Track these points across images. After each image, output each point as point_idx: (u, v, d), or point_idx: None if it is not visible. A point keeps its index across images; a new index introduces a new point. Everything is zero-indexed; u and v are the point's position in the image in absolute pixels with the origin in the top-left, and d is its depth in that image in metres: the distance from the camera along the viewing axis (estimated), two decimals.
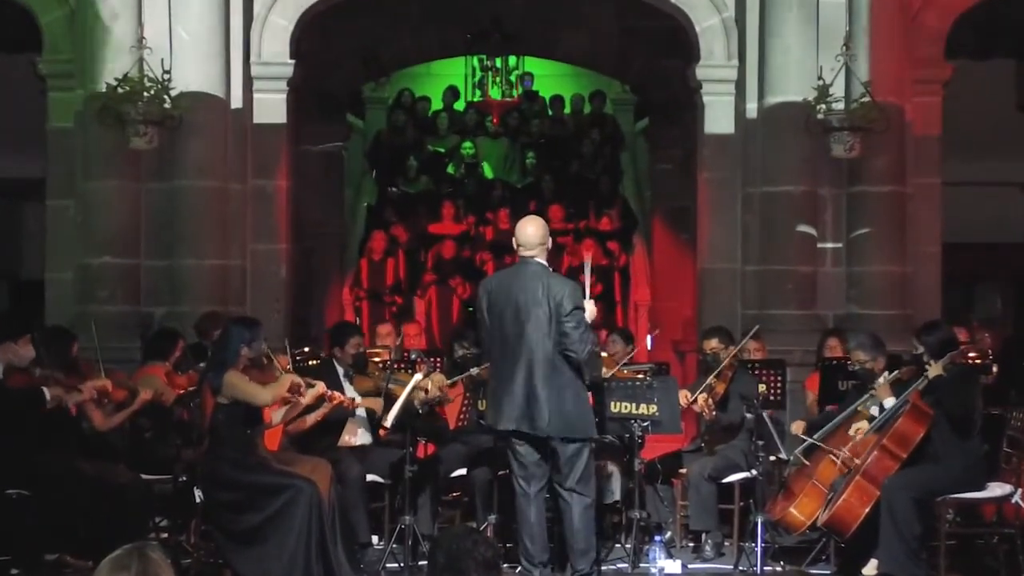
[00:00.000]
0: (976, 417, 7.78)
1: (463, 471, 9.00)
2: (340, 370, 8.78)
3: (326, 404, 8.17)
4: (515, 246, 7.66)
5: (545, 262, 7.60)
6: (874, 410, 8.10)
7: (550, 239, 7.70)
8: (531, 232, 7.54)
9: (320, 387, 7.94)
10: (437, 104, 16.71)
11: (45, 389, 7.69)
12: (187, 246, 10.70)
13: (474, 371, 8.91)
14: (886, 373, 8.20)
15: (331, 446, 8.58)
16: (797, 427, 8.53)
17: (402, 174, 15.88)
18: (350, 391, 8.64)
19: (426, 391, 8.61)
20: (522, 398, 7.37)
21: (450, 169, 16.27)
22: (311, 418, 8.34)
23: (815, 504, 7.94)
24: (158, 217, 10.79)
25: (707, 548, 8.71)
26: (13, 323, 8.28)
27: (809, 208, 10.94)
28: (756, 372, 9.15)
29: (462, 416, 8.94)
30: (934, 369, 7.74)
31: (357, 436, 8.80)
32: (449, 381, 8.86)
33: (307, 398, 7.87)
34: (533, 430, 7.40)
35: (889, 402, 7.94)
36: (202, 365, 8.59)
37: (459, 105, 16.57)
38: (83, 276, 10.79)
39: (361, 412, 8.73)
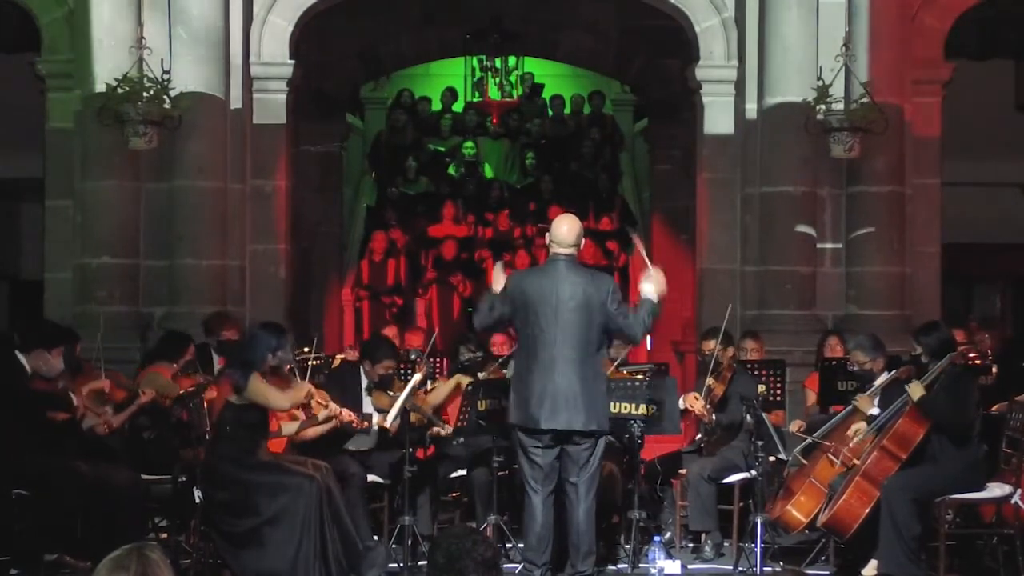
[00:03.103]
0: (973, 422, 7.76)
1: (462, 472, 9.00)
2: (364, 382, 8.74)
3: (334, 421, 8.17)
4: (547, 243, 7.63)
5: (576, 259, 7.56)
6: (873, 410, 8.10)
7: (584, 239, 7.68)
8: (566, 230, 7.49)
9: (332, 409, 7.95)
10: (437, 105, 16.72)
11: (73, 396, 7.71)
12: (186, 246, 10.70)
13: (481, 375, 8.89)
14: (885, 373, 8.20)
15: (331, 446, 8.56)
16: (795, 426, 8.53)
17: (402, 174, 15.88)
18: (367, 405, 8.62)
19: (425, 391, 8.61)
20: (568, 396, 7.32)
21: (451, 170, 16.27)
22: (316, 430, 8.32)
23: (813, 503, 7.94)
24: (157, 217, 10.80)
25: (706, 549, 8.71)
26: (48, 332, 8.23)
27: (808, 208, 10.94)
28: (755, 373, 9.15)
29: (462, 417, 8.93)
30: (915, 390, 7.69)
31: (364, 444, 8.79)
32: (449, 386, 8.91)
33: (320, 416, 7.90)
34: (582, 427, 7.36)
35: (873, 411, 7.95)
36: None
37: (458, 106, 16.57)
38: (82, 276, 10.79)
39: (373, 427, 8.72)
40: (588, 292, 7.38)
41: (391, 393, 8.58)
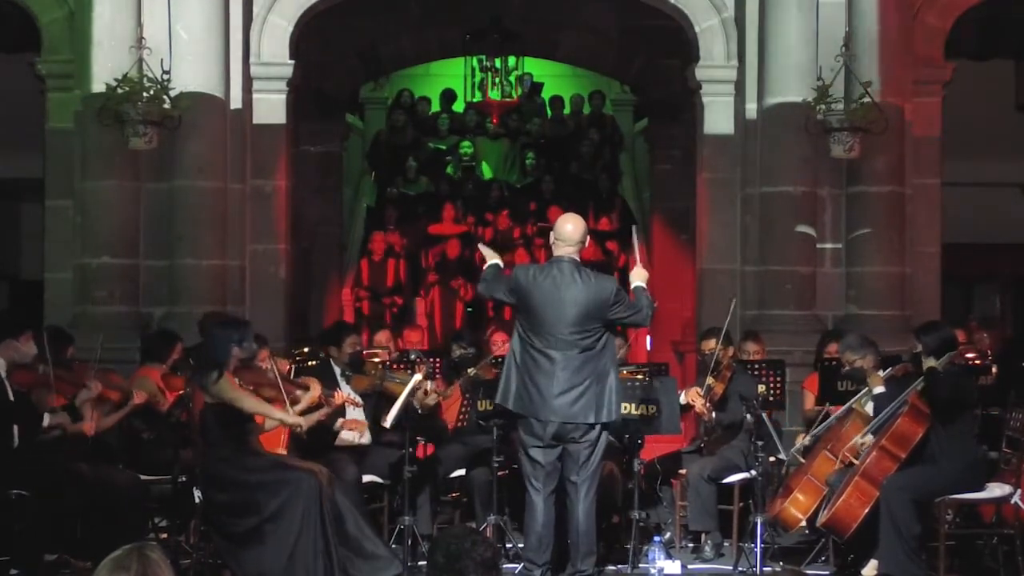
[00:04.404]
0: (968, 409, 7.77)
1: (462, 471, 9.00)
2: (337, 370, 8.77)
3: (326, 408, 8.15)
4: (551, 241, 7.63)
5: (578, 259, 7.57)
6: (868, 407, 8.11)
7: (588, 238, 7.70)
8: (571, 228, 7.53)
9: (314, 392, 7.94)
10: (437, 105, 16.72)
11: (47, 415, 7.69)
12: (186, 246, 10.70)
13: (471, 371, 8.90)
14: (880, 371, 8.21)
15: (328, 445, 8.57)
16: (802, 438, 8.58)
17: (401, 174, 15.88)
18: (348, 392, 8.63)
19: (426, 392, 8.62)
20: (572, 395, 7.34)
21: (449, 170, 16.28)
22: (312, 418, 8.32)
23: (811, 500, 7.96)
24: (157, 217, 10.79)
25: (706, 549, 8.72)
26: (13, 321, 8.24)
27: (808, 208, 10.94)
28: (755, 372, 9.15)
29: (461, 416, 8.93)
30: (929, 362, 7.74)
31: (363, 436, 8.78)
32: (446, 392, 8.90)
33: (303, 401, 7.88)
34: (584, 420, 7.37)
35: (879, 389, 7.96)
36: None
37: (458, 106, 16.58)
38: (82, 276, 10.78)
39: (360, 414, 8.70)
40: (591, 294, 7.39)
41: (368, 372, 8.60)
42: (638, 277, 7.70)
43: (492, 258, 7.75)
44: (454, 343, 9.54)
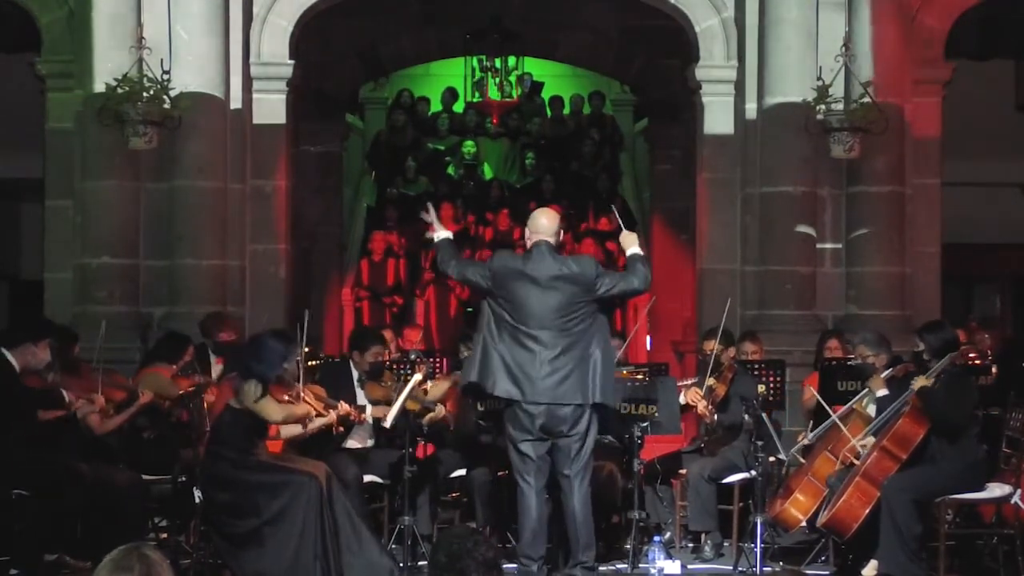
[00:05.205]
0: (967, 422, 7.77)
1: (462, 471, 8.99)
2: (355, 375, 8.75)
3: (331, 417, 8.16)
4: (527, 235, 7.64)
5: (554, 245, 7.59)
6: (871, 408, 8.11)
7: (561, 232, 7.73)
8: (546, 221, 7.59)
9: (330, 418, 7.97)
10: (436, 105, 16.73)
11: (65, 393, 7.69)
12: (186, 246, 10.70)
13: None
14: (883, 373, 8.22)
15: (330, 449, 8.56)
16: (802, 438, 8.58)
17: (401, 174, 15.89)
18: (361, 398, 8.63)
19: (426, 392, 8.61)
20: (560, 374, 7.32)
21: (450, 170, 16.28)
22: (314, 427, 8.31)
23: (811, 500, 7.96)
24: (157, 217, 10.79)
25: (706, 549, 8.72)
26: (34, 326, 8.22)
27: (808, 208, 10.94)
28: (756, 373, 9.15)
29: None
30: (919, 381, 7.71)
31: (362, 441, 8.78)
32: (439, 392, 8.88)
33: (316, 424, 7.91)
34: (571, 400, 7.36)
35: (881, 392, 7.96)
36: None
37: (458, 106, 16.59)
38: (82, 276, 10.78)
39: (367, 418, 8.71)
40: (574, 271, 7.40)
41: (384, 383, 8.58)
42: (630, 243, 7.66)
43: (441, 231, 7.68)
44: (462, 344, 9.52)
